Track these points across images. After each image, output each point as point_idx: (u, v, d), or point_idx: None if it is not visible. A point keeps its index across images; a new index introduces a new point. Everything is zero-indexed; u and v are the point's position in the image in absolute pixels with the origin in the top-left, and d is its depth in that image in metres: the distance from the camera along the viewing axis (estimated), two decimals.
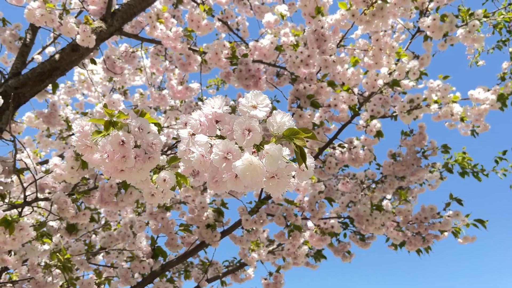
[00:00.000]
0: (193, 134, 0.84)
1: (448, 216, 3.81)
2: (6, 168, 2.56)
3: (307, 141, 0.81)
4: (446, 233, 3.96)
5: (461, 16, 3.42)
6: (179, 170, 1.10)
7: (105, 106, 0.92)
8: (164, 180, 1.06)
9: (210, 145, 0.81)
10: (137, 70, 4.70)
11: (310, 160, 0.81)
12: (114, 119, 0.95)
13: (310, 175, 0.82)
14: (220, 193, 0.93)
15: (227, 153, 0.77)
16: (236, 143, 0.77)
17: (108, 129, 0.94)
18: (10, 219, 2.03)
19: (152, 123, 1.10)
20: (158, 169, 1.10)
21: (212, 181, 0.84)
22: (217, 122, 0.85)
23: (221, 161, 0.77)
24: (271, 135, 0.79)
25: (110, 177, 1.04)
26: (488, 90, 3.80)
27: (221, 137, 0.82)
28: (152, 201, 1.11)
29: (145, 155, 0.98)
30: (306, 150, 0.80)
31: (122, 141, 0.94)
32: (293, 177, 0.84)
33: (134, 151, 0.96)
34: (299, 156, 0.79)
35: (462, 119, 3.98)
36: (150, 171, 1.06)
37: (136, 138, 0.98)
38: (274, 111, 0.78)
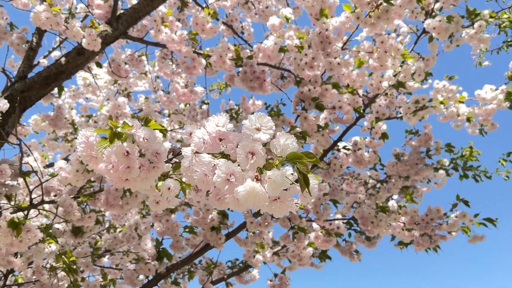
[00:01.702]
0: (197, 152, 0.84)
1: (456, 217, 3.78)
2: (12, 171, 2.58)
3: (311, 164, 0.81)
4: (454, 233, 3.92)
5: (468, 15, 3.41)
6: (184, 179, 1.10)
7: (110, 118, 0.92)
8: (169, 188, 1.06)
9: (213, 165, 0.81)
10: (141, 75, 4.71)
11: (313, 182, 0.80)
12: (119, 130, 0.96)
13: (312, 200, 0.81)
14: (223, 209, 0.93)
15: (230, 175, 0.77)
16: (238, 165, 0.77)
17: (113, 141, 0.94)
18: (17, 221, 2.04)
19: (157, 129, 1.10)
20: (163, 175, 1.11)
21: (215, 198, 0.84)
22: (220, 140, 0.85)
23: (223, 183, 0.76)
24: (275, 157, 0.79)
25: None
26: (496, 90, 3.77)
27: (224, 155, 0.82)
28: (157, 209, 1.12)
29: (150, 165, 0.99)
30: (310, 176, 0.79)
31: (127, 152, 0.95)
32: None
33: (138, 160, 0.97)
34: (302, 182, 0.78)
35: (468, 120, 3.95)
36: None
37: (141, 148, 0.98)
38: (277, 133, 0.78)
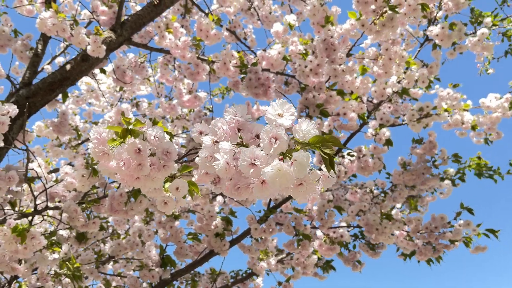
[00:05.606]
0: (217, 142, 0.85)
1: (459, 226, 3.76)
2: (17, 176, 2.57)
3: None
4: (457, 243, 3.89)
5: (473, 17, 3.41)
6: (193, 179, 1.10)
7: (122, 114, 0.92)
8: (177, 188, 1.06)
9: (234, 153, 0.82)
10: (144, 80, 4.71)
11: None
12: (131, 127, 0.96)
13: (333, 182, 0.83)
14: (240, 199, 0.95)
15: (254, 159, 0.78)
16: (262, 150, 0.79)
17: (125, 137, 0.94)
18: (21, 228, 2.04)
19: (164, 131, 1.10)
20: (171, 177, 1.11)
21: (233, 188, 0.84)
22: (239, 130, 0.86)
23: (248, 168, 0.78)
24: (296, 142, 0.81)
25: (123, 185, 1.04)
26: (501, 98, 3.75)
27: (243, 145, 0.83)
28: (165, 210, 1.11)
29: (160, 164, 0.99)
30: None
31: (139, 149, 0.95)
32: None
33: (149, 159, 0.97)
34: (328, 163, 0.81)
35: (473, 128, 3.93)
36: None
37: (152, 146, 0.98)
38: (299, 120, 0.80)
